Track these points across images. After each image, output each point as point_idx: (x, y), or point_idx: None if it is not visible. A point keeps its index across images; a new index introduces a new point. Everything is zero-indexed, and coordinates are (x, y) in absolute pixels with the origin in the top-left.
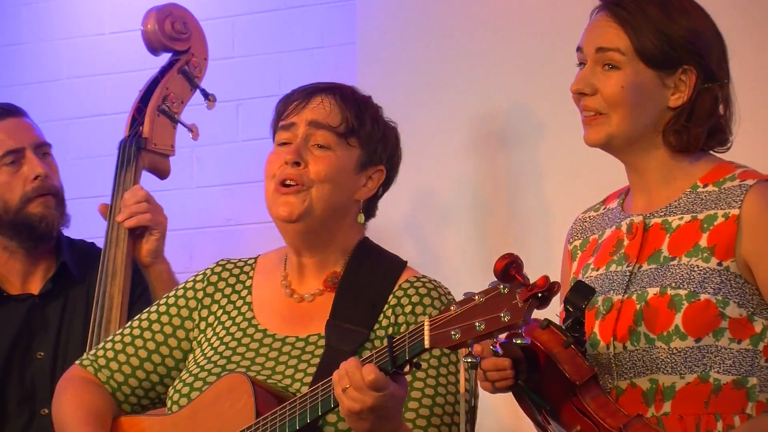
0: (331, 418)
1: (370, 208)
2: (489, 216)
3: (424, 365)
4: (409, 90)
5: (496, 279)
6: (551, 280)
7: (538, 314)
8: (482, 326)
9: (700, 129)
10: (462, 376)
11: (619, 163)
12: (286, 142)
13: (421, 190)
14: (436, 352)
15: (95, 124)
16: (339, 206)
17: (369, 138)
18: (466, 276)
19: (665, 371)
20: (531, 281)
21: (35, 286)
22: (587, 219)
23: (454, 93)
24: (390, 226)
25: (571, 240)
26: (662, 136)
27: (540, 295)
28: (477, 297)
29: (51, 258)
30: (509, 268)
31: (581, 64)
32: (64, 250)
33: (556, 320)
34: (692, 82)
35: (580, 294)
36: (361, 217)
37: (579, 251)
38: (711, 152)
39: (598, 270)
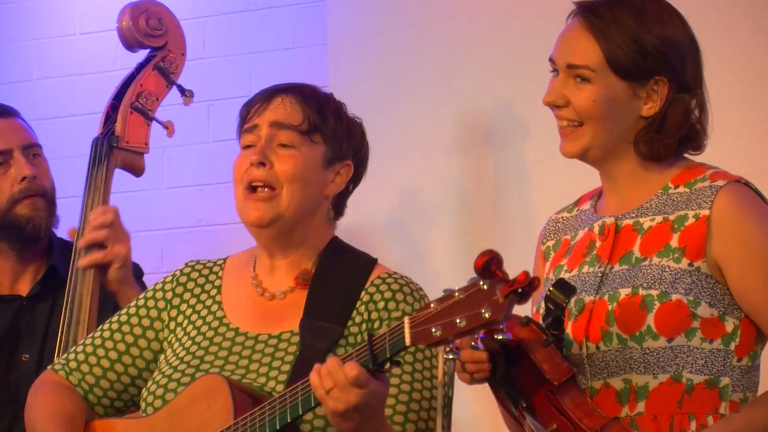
0: (307, 415)
1: (339, 206)
2: (473, 215)
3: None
4: (379, 91)
5: (476, 275)
6: (531, 276)
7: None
8: (463, 323)
9: (670, 140)
10: (441, 366)
11: None
12: (251, 144)
13: (406, 190)
14: (412, 348)
15: (66, 125)
16: (309, 204)
17: (333, 134)
18: (450, 275)
19: (638, 371)
20: (511, 277)
21: (24, 288)
22: (560, 220)
23: (427, 93)
24: (374, 226)
25: (544, 240)
26: (633, 144)
27: (520, 290)
28: (457, 293)
29: (41, 260)
30: (489, 264)
31: (554, 70)
32: (54, 252)
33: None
34: (664, 93)
35: (562, 292)
36: (331, 213)
37: (552, 251)
38: (685, 156)
39: (570, 271)
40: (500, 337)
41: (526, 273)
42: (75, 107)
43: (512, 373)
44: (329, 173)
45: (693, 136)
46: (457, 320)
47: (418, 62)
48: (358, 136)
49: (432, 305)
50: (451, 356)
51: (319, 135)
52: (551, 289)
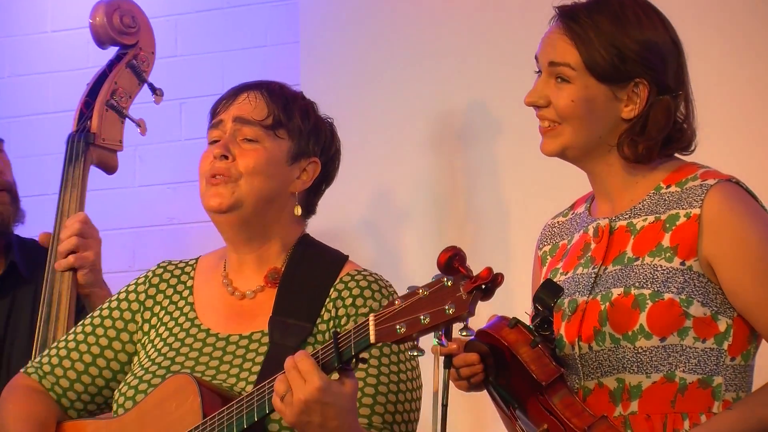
0: (275, 414)
1: (309, 205)
2: (446, 214)
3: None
4: (352, 89)
5: (439, 272)
6: (494, 272)
7: (505, 312)
8: (427, 319)
9: (652, 142)
10: (437, 374)
11: None
12: (216, 139)
13: (378, 188)
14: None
15: (37, 123)
16: (272, 198)
17: (298, 130)
18: (423, 273)
19: (631, 370)
20: (475, 273)
21: None
22: (556, 224)
23: (399, 91)
24: (347, 224)
25: (541, 246)
26: (617, 147)
27: (484, 286)
28: (421, 290)
29: (1, 258)
30: (452, 261)
31: (539, 72)
32: (14, 249)
33: (525, 318)
34: (644, 95)
35: (549, 292)
36: (298, 210)
37: (549, 256)
38: (675, 155)
39: (566, 274)
40: (465, 334)
41: (489, 269)
42: (46, 105)
43: (504, 375)
44: (294, 169)
45: (678, 137)
46: (422, 317)
47: (391, 60)
48: (327, 134)
49: (397, 302)
50: (415, 353)
51: (284, 131)
52: (538, 289)
